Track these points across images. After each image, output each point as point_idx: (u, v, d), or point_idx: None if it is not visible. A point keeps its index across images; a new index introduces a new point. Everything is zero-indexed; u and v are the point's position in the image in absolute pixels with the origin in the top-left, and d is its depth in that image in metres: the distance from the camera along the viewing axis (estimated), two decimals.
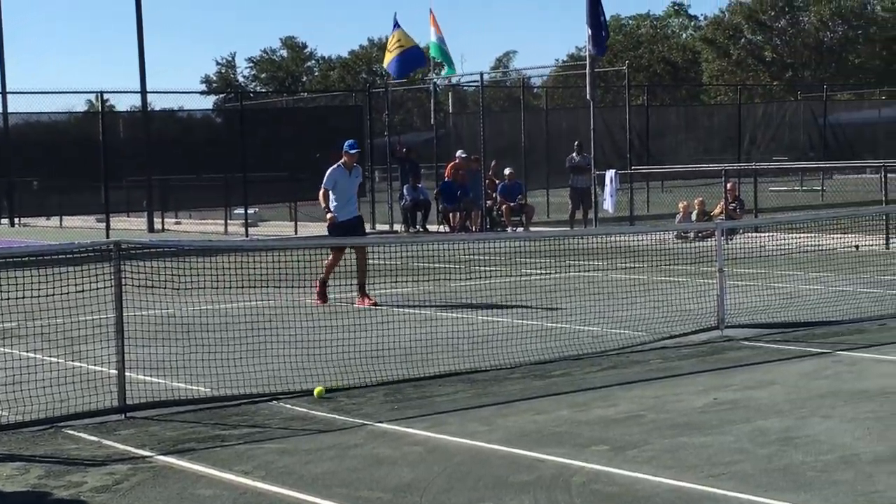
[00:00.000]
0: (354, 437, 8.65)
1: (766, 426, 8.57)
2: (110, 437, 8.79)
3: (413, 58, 32.89)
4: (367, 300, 15.79)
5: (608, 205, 28.61)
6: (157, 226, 34.62)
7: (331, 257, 16.10)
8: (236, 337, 11.53)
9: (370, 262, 16.04)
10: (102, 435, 8.84)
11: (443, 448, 8.24)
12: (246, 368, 10.56)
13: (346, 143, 16.97)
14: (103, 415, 9.35)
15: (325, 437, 8.64)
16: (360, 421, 9.12)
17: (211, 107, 73.30)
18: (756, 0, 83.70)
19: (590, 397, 9.82)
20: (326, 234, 17.23)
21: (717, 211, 26.82)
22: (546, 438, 8.40)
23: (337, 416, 9.31)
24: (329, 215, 16.62)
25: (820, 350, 11.75)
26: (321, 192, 16.80)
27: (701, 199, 27.78)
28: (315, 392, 9.89)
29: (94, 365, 10.85)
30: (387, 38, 35.87)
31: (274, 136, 33.89)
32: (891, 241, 22.41)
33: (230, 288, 12.00)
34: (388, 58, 32.90)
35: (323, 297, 15.93)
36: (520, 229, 29.43)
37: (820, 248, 18.95)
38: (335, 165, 16.75)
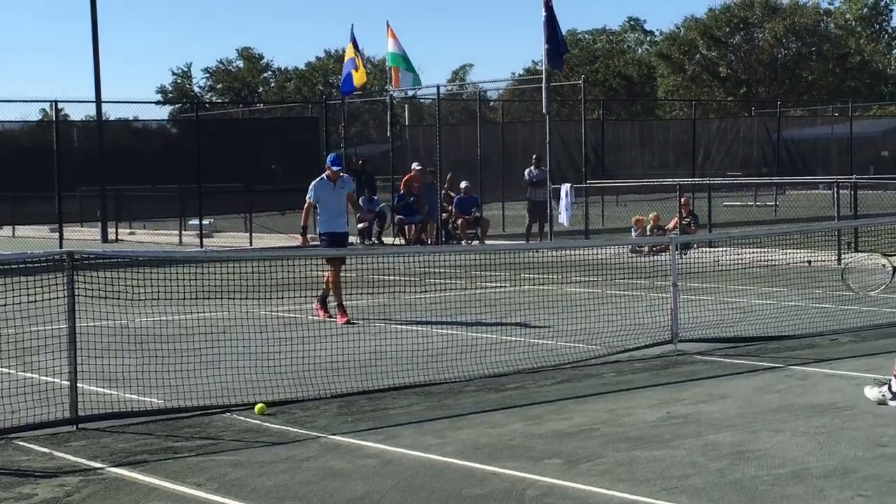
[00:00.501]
0: (308, 449, 8.63)
1: (719, 440, 8.62)
2: (62, 448, 8.73)
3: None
4: (323, 312, 15.67)
5: (563, 218, 28.69)
6: (112, 236, 34.45)
7: (329, 273, 15.68)
8: (190, 348, 11.48)
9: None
10: (54, 446, 8.77)
11: (397, 461, 8.23)
12: (199, 380, 10.50)
13: (328, 158, 16.65)
14: (55, 426, 9.28)
15: (278, 450, 8.61)
16: (314, 433, 9.10)
17: (166, 117, 72.99)
18: (711, 16, 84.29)
19: (544, 410, 9.84)
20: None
21: (671, 225, 26.96)
22: (500, 452, 8.41)
23: (290, 429, 9.28)
24: (301, 239, 16.37)
25: (772, 364, 11.83)
26: (305, 206, 16.39)
27: (655, 213, 27.93)
28: (256, 409, 9.82)
29: (46, 376, 10.77)
30: (343, 51, 35.79)
31: (230, 147, 33.80)
32: (843, 256, 22.59)
33: (184, 299, 11.94)
34: (360, 76, 32.71)
35: (325, 309, 15.70)
36: (475, 242, 29.46)
37: (773, 263, 19.08)
38: (319, 178, 16.34)
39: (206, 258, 18.00)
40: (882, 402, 9.75)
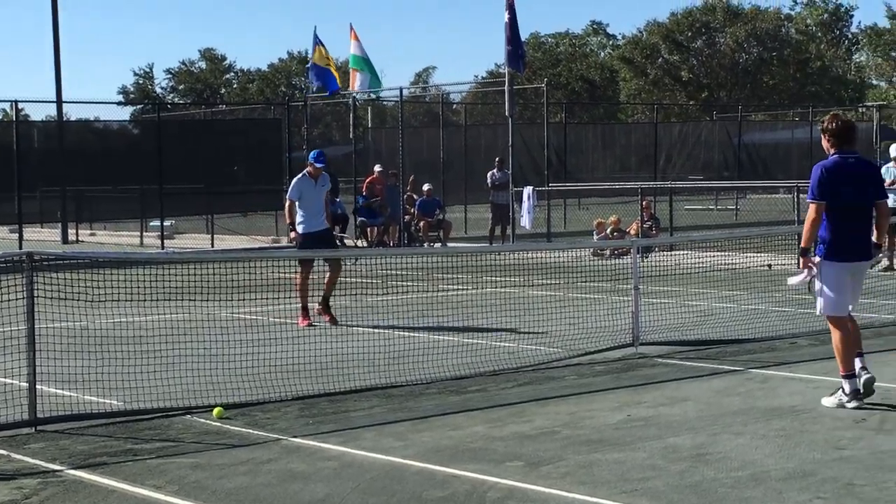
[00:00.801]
0: (268, 451, 8.61)
1: (679, 443, 8.66)
2: (20, 450, 8.67)
3: (323, 75, 32.75)
4: (327, 316, 15.36)
5: (525, 221, 28.74)
6: (72, 237, 34.24)
7: (299, 276, 15.52)
8: (150, 350, 11.43)
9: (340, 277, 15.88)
10: (12, 448, 8.72)
11: (357, 463, 8.22)
12: (159, 382, 10.46)
13: (311, 155, 16.38)
14: (13, 428, 9.22)
15: (238, 452, 8.58)
16: (275, 436, 9.08)
17: (128, 118, 72.62)
18: (673, 21, 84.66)
19: (505, 413, 9.85)
20: (287, 247, 16.97)
21: (632, 229, 27.06)
22: (461, 454, 8.41)
23: (251, 431, 9.26)
24: (292, 234, 16.02)
25: (732, 367, 11.89)
26: (287, 205, 16.11)
27: (616, 216, 28.01)
28: (214, 413, 9.78)
29: (5, 377, 10.68)
30: (306, 52, 35.73)
31: (192, 148, 33.64)
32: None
33: (145, 301, 11.90)
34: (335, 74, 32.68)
35: (307, 316, 15.42)
36: (437, 245, 29.47)
37: (733, 266, 19.18)
38: (300, 175, 16.12)
39: (167, 260, 17.94)
40: (841, 406, 9.84)
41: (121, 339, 11.85)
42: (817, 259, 10.05)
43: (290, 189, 16.03)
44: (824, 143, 10.24)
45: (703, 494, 7.31)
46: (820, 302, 10.11)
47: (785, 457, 8.20)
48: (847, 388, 9.88)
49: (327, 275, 15.57)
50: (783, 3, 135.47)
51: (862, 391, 9.85)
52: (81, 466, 8.18)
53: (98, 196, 35.35)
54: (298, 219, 15.86)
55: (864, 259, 10.19)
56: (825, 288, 10.03)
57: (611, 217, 28.01)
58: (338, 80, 31.79)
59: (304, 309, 15.42)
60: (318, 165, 15.93)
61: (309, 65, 35.01)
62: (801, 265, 10.40)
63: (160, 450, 8.68)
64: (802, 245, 10.19)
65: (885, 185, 22.35)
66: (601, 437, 8.87)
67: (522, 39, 28.14)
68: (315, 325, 14.91)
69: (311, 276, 15.53)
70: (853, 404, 9.81)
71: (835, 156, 10.08)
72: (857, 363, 10.01)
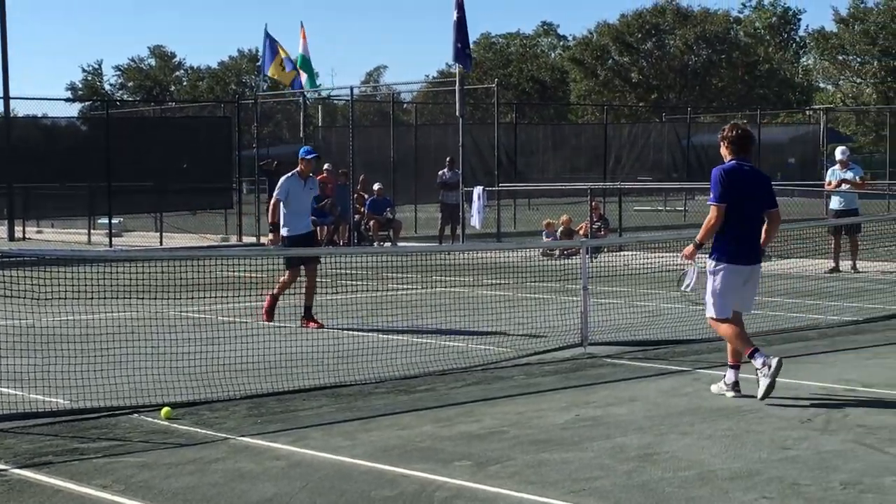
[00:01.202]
0: (216, 451, 8.57)
1: (627, 442, 8.70)
2: None
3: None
4: (312, 323, 14.94)
5: (475, 221, 28.78)
6: (19, 234, 33.94)
7: (286, 275, 15.32)
8: (97, 349, 11.34)
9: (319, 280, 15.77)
10: None
11: (306, 463, 8.20)
12: (107, 381, 10.39)
13: (301, 150, 15.92)
14: None
15: (186, 451, 8.54)
16: (223, 435, 9.04)
17: (76, 114, 72.13)
18: (624, 22, 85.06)
19: (454, 413, 9.86)
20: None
21: (581, 229, 27.16)
22: (410, 454, 8.41)
23: (199, 430, 9.22)
24: (270, 236, 15.62)
25: (680, 368, 11.96)
26: (271, 203, 15.64)
27: (566, 216, 28.10)
28: (162, 413, 9.70)
29: None
30: (257, 50, 35.67)
31: (140, 145, 33.44)
32: None
33: (92, 299, 11.81)
34: (287, 76, 32.71)
35: (270, 314, 15.27)
36: (387, 244, 29.45)
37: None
38: (289, 174, 15.62)
39: (115, 258, 17.82)
40: (721, 394, 10.39)
41: (67, 337, 11.75)
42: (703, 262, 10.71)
43: (277, 188, 15.53)
44: (723, 150, 10.58)
45: (651, 494, 7.34)
46: (708, 303, 10.56)
47: (731, 457, 8.26)
48: (730, 377, 10.43)
49: (304, 283, 15.23)
50: (732, 6, 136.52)
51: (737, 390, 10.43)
52: (27, 466, 8.11)
53: (45, 193, 35.10)
54: (282, 220, 15.45)
55: (756, 263, 10.59)
56: (716, 291, 10.45)
57: (562, 217, 28.10)
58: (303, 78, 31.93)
59: (274, 300, 15.31)
60: (308, 158, 15.55)
61: (261, 63, 34.94)
62: (685, 257, 11.09)
63: (107, 449, 8.63)
64: (698, 240, 10.69)
65: (831, 187, 22.69)
66: (549, 437, 8.89)
67: (473, 40, 28.23)
68: (271, 322, 14.94)
69: (294, 280, 15.28)
70: (731, 394, 10.35)
71: (733, 161, 10.44)
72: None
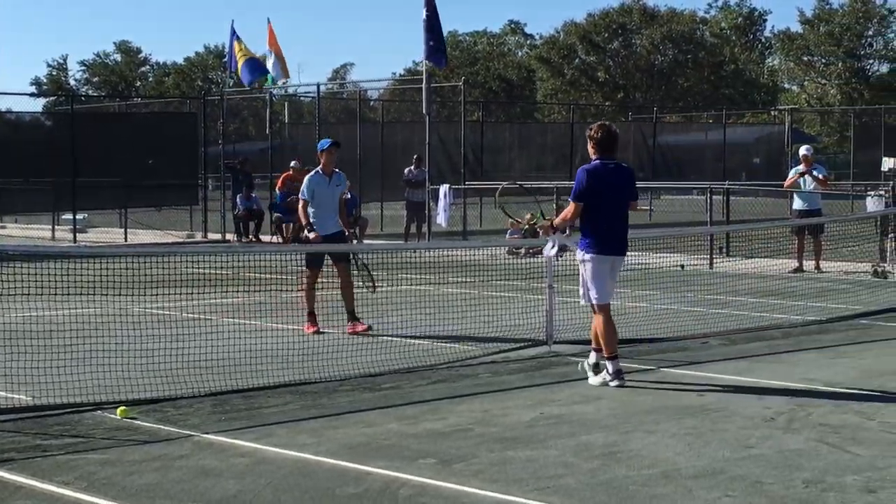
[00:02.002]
0: (180, 448, 8.54)
1: (591, 441, 8.72)
2: None
3: (256, 67, 32.87)
4: (360, 326, 14.28)
5: (441, 219, 28.76)
6: None
7: (306, 279, 14.57)
8: (61, 345, 11.28)
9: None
10: None
11: (270, 460, 8.18)
12: (70, 377, 10.33)
13: (321, 143, 15.00)
14: None
15: (150, 448, 8.51)
16: (187, 432, 9.01)
17: (41, 109, 71.68)
18: (591, 22, 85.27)
19: (419, 410, 9.86)
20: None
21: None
22: (374, 451, 8.41)
23: (162, 427, 9.18)
24: (312, 234, 14.50)
25: (644, 366, 11.99)
26: (300, 204, 14.66)
27: (530, 214, 28.10)
28: (118, 412, 9.63)
29: None
30: (223, 47, 35.63)
31: (106, 141, 33.25)
32: (714, 261, 22.99)
33: (56, 295, 11.74)
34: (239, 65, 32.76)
35: (314, 321, 14.41)
36: (353, 242, 29.37)
37: (647, 266, 19.34)
38: (313, 172, 14.72)
39: (78, 254, 17.74)
40: (605, 384, 10.93)
41: (30, 333, 11.68)
42: (560, 235, 11.77)
43: (302, 188, 14.70)
44: (589, 149, 11.37)
45: (615, 492, 7.36)
46: (586, 291, 11.31)
47: (695, 455, 8.29)
48: (611, 368, 10.96)
49: (339, 286, 14.49)
50: (698, 6, 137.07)
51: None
52: None
53: (9, 188, 34.85)
54: (311, 220, 14.64)
55: (621, 254, 11.45)
56: (592, 279, 11.19)
57: (525, 215, 28.10)
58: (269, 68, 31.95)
59: (311, 315, 14.46)
60: (327, 147, 14.67)
61: (228, 59, 34.90)
62: (545, 233, 11.97)
63: (69, 445, 8.58)
64: (555, 224, 11.76)
65: (789, 182, 22.81)
66: (514, 435, 8.90)
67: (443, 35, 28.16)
68: (322, 333, 14.10)
69: (317, 280, 14.63)
70: (615, 383, 10.87)
71: (597, 161, 11.24)
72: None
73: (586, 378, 11.26)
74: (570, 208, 11.32)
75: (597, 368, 11.18)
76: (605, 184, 11.12)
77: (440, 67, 28.11)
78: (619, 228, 11.29)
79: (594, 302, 11.21)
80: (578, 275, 11.44)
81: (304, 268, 14.85)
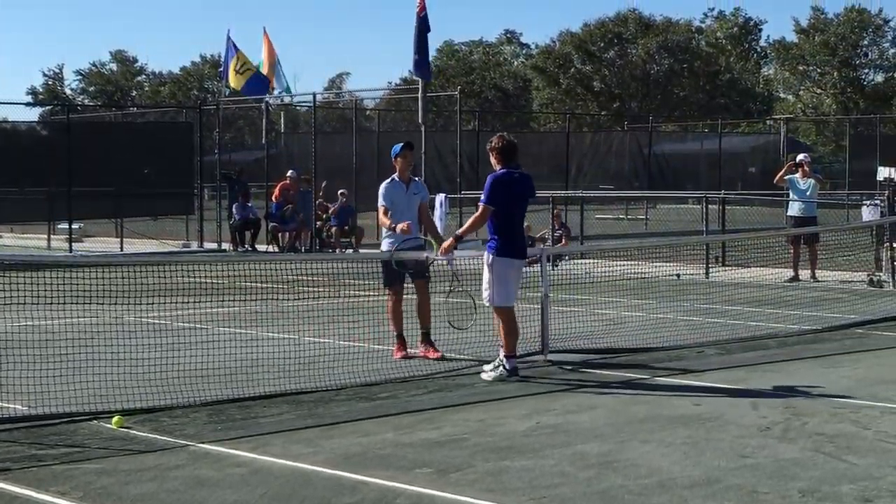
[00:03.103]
0: (176, 457, 8.53)
1: (587, 450, 8.72)
2: None
3: (260, 83, 33.04)
4: (432, 351, 13.16)
5: (437, 228, 28.69)
6: None
7: (390, 301, 13.44)
8: (56, 354, 11.27)
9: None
10: None
11: (266, 469, 8.18)
12: (66, 387, 10.32)
13: (392, 149, 13.74)
14: None
15: (145, 458, 8.50)
16: (183, 441, 9.01)
17: (37, 119, 71.67)
18: (586, 31, 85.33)
19: (415, 420, 9.86)
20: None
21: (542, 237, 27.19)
22: (370, 461, 8.41)
23: (158, 437, 9.18)
24: (401, 225, 13.08)
25: (640, 376, 12.00)
26: (380, 211, 13.46)
27: (527, 224, 28.11)
28: (113, 422, 9.60)
29: None
30: (220, 56, 35.66)
31: (101, 150, 33.24)
32: (710, 270, 23.00)
33: (51, 304, 11.73)
34: (239, 79, 32.82)
35: (403, 347, 13.29)
36: (349, 251, 29.42)
37: (643, 275, 19.36)
38: (389, 179, 13.54)
39: (74, 262, 17.71)
40: (501, 379, 11.54)
41: (26, 342, 11.66)
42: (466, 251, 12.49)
43: (379, 195, 13.52)
44: (493, 160, 12.08)
45: (611, 501, 7.37)
46: (490, 293, 11.88)
47: (691, 464, 8.29)
48: (509, 366, 11.68)
49: (416, 302, 13.47)
50: (694, 15, 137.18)
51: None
52: None
53: (4, 198, 34.84)
54: (386, 232, 13.54)
55: (524, 258, 12.25)
56: (497, 281, 11.81)
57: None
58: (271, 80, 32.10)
59: (400, 337, 13.34)
60: (401, 150, 13.50)
61: (223, 69, 35.00)
62: (443, 251, 12.41)
63: (65, 455, 8.58)
64: (461, 233, 12.33)
65: (776, 178, 22.82)
66: (510, 445, 8.90)
67: (436, 47, 28.30)
68: (411, 357, 13.10)
69: (402, 299, 13.44)
70: (510, 377, 11.63)
71: (503, 170, 11.96)
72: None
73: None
74: (480, 213, 11.92)
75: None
76: (513, 191, 11.94)
77: (426, 80, 28.12)
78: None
79: (499, 304, 11.86)
80: (490, 280, 11.94)
81: (384, 288, 13.66)
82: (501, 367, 11.72)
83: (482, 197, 11.89)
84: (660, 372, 12.24)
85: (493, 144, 12.13)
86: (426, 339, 13.29)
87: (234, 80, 33.19)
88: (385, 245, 13.56)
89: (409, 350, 13.30)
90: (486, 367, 11.87)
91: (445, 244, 12.43)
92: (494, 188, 11.85)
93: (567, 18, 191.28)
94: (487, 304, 12.01)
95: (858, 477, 7.94)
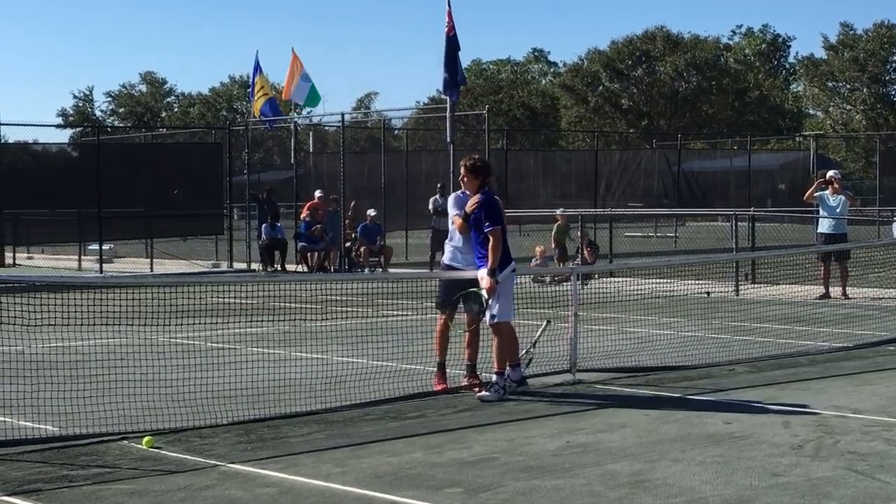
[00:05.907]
0: (206, 478, 8.54)
1: (617, 469, 8.69)
2: None
3: (276, 107, 33.31)
4: (475, 384, 12.20)
5: None
6: (9, 260, 33.87)
7: (439, 322, 12.47)
8: (87, 375, 11.31)
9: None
10: None
11: (296, 490, 8.18)
12: (96, 407, 10.36)
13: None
14: None
15: (176, 478, 8.51)
16: (213, 461, 9.02)
17: (67, 140, 72.10)
18: (614, 49, 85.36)
19: (444, 439, 9.84)
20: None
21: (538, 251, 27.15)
22: (400, 480, 8.39)
23: (188, 457, 9.19)
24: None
25: (670, 394, 11.95)
26: (457, 222, 12.20)
27: (541, 248, 28.05)
28: (144, 442, 9.62)
29: None
30: (248, 77, 35.85)
31: (131, 171, 33.45)
32: (740, 287, 22.92)
33: (82, 325, 11.78)
34: (256, 104, 33.07)
35: (443, 378, 12.33)
36: (378, 270, 29.44)
37: (672, 293, 19.29)
38: (461, 191, 12.48)
39: (104, 284, 17.78)
40: (512, 391, 11.69)
41: (57, 363, 11.71)
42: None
43: (450, 208, 12.46)
44: (473, 182, 12.07)
45: None
46: (500, 309, 11.83)
47: (722, 483, 8.25)
48: (515, 376, 11.86)
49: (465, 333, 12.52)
50: (722, 32, 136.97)
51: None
52: (16, 493, 8.08)
53: (36, 219, 35.07)
54: (450, 246, 12.58)
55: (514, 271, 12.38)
56: (505, 296, 11.90)
57: (538, 248, 28.04)
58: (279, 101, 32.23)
59: (441, 367, 12.42)
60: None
61: (250, 90, 35.21)
62: (491, 290, 11.79)
63: (96, 476, 8.60)
64: (494, 267, 11.75)
65: (806, 196, 22.70)
66: (540, 464, 8.88)
67: (464, 66, 28.25)
68: (451, 392, 12.23)
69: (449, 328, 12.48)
70: (520, 388, 11.86)
71: (486, 190, 12.08)
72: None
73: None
74: (495, 238, 11.75)
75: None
76: (499, 206, 12.19)
77: (453, 100, 28.14)
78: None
79: (509, 319, 11.97)
80: (497, 295, 11.77)
81: (436, 310, 12.75)
82: (508, 380, 11.79)
83: (486, 223, 11.73)
84: (690, 390, 12.19)
85: (474, 164, 12.19)
86: (472, 371, 12.41)
87: (254, 105, 33.44)
88: (450, 259, 12.53)
89: (448, 384, 12.30)
90: (484, 393, 11.73)
91: (490, 286, 11.63)
92: (492, 208, 11.90)
93: (595, 36, 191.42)
94: (496, 321, 11.84)
95: (892, 496, 7.88)
